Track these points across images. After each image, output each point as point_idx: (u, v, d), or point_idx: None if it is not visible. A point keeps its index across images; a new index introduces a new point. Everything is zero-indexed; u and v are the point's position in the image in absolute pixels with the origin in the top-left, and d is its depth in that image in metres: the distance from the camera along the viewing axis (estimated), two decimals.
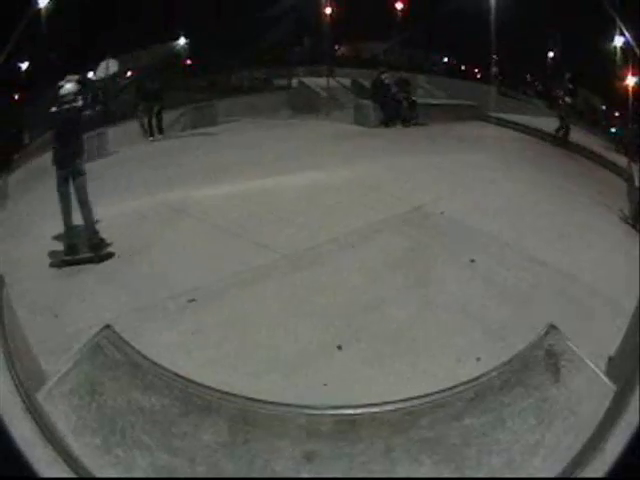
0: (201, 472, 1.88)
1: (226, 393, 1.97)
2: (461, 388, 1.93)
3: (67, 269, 3.35)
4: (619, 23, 2.87)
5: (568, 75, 5.16)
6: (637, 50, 2.47)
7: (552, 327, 2.04)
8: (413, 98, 5.74)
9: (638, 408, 1.89)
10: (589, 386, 1.97)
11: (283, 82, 6.36)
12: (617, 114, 4.62)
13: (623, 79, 4.05)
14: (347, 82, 6.24)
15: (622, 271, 2.94)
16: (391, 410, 1.88)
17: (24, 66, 4.60)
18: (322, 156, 4.58)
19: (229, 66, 6.03)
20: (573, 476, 1.82)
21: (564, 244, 3.05)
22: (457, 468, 1.85)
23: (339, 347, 2.68)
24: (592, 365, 2.00)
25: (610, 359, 2.19)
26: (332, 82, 6.19)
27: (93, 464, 1.98)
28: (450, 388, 1.92)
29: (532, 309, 2.76)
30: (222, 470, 1.87)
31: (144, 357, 2.07)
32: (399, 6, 5.91)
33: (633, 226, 3.69)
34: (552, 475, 1.84)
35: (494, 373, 1.95)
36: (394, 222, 3.68)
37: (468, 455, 1.86)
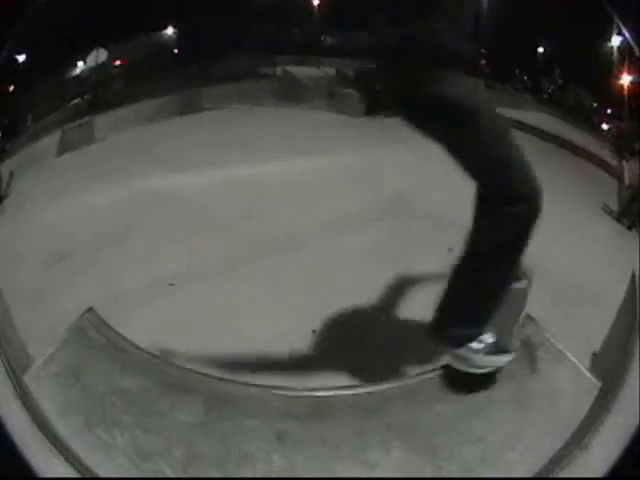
0: (176, 451, 1.91)
1: (202, 374, 2.01)
2: (433, 374, 1.94)
3: (51, 256, 3.45)
4: (616, 20, 2.91)
5: (557, 71, 5.19)
6: (636, 49, 2.50)
7: (529, 318, 2.04)
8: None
9: (624, 407, 1.88)
10: (570, 380, 1.98)
11: (269, 71, 6.44)
12: (609, 111, 4.60)
13: (617, 77, 4.05)
14: (331, 71, 6.33)
15: (608, 267, 2.94)
16: (364, 394, 1.90)
17: (21, 58, 4.77)
18: (304, 144, 4.61)
19: (216, 54, 6.11)
20: (554, 475, 1.80)
21: (549, 237, 3.02)
22: (430, 456, 1.84)
23: (313, 331, 2.72)
24: (574, 359, 2.00)
25: (594, 355, 2.18)
26: (317, 71, 6.26)
27: (76, 444, 2.03)
28: (422, 373, 1.93)
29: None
30: (197, 449, 1.89)
31: (125, 339, 2.13)
32: None
33: (621, 222, 3.70)
34: (531, 471, 1.82)
35: None
36: (373, 211, 3.73)
37: (440, 443, 1.85)
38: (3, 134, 4.66)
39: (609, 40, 4.14)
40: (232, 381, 1.99)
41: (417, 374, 1.97)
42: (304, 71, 6.26)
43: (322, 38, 6.48)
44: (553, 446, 1.85)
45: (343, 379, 2.13)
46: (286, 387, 1.95)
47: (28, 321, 2.64)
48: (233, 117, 5.64)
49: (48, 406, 2.15)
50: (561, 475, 1.80)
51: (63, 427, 2.08)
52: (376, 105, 5.75)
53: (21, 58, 4.76)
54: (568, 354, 1.99)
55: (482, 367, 1.90)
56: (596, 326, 2.25)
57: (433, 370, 1.96)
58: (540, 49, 5.45)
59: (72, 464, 2.01)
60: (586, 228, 3.66)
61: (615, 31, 3.80)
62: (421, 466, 1.83)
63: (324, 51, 6.40)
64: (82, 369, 2.14)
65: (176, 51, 6.13)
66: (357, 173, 4.20)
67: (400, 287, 3.01)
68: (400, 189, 3.96)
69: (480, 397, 1.91)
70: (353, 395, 1.91)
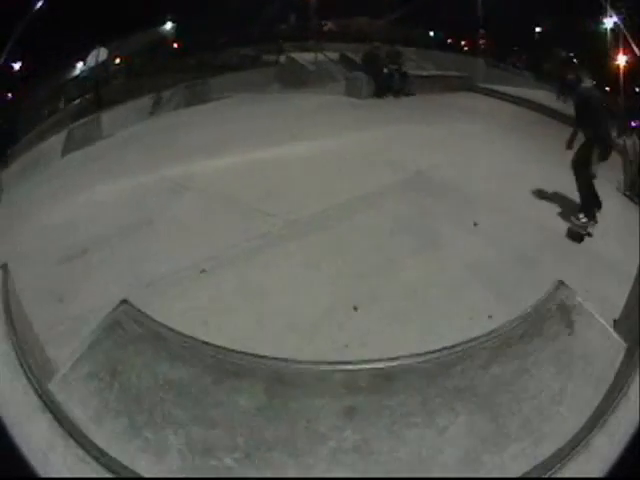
0: (241, 441, 1.84)
1: (257, 356, 1.94)
2: (485, 338, 1.99)
3: (69, 252, 3.22)
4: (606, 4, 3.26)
5: (556, 49, 5.57)
6: (625, 31, 2.81)
7: (561, 283, 2.16)
8: (404, 70, 6.00)
9: None
10: (601, 340, 2.06)
11: (272, 58, 6.47)
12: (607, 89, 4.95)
13: (612, 56, 4.39)
14: (335, 56, 6.43)
15: (621, 237, 3.12)
16: (423, 361, 1.93)
17: (17, 66, 4.59)
18: (318, 127, 4.58)
19: (217, 45, 6.10)
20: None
21: (564, 209, 3.29)
22: (492, 416, 1.91)
23: (355, 308, 2.72)
24: (602, 320, 2.09)
25: (615, 321, 2.34)
26: (320, 57, 6.35)
27: (121, 452, 1.91)
28: (476, 338, 2.01)
29: (537, 269, 2.87)
30: (263, 435, 1.84)
31: (168, 328, 2.02)
32: None
33: (629, 196, 3.92)
34: (581, 421, 1.93)
35: (514, 324, 2.00)
36: (396, 188, 3.75)
37: (500, 403, 1.93)
38: (4, 138, 4.43)
39: (603, 20, 4.51)
40: (290, 360, 1.93)
41: (470, 339, 2.04)
42: (307, 57, 6.32)
43: (322, 23, 6.60)
44: (595, 399, 2.00)
45: (394, 350, 2.15)
46: (345, 361, 1.94)
47: (49, 323, 2.44)
48: (241, 106, 5.57)
49: (80, 413, 2.01)
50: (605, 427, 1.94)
51: (101, 435, 1.96)
52: (385, 86, 5.93)
53: (20, 63, 4.56)
54: (597, 316, 2.11)
55: None
56: (616, 293, 2.39)
57: (484, 335, 2.05)
58: (538, 28, 5.82)
59: (116, 473, 1.89)
60: None
61: (607, 14, 4.21)
62: (486, 426, 1.89)
63: (326, 36, 6.50)
64: (119, 366, 2.02)
65: (176, 45, 6.04)
66: (374, 152, 4.22)
67: (432, 261, 3.06)
68: (419, 166, 4.01)
69: (530, 357, 2.01)
70: (412, 363, 1.91)
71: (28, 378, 2.11)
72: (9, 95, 4.76)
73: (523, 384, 1.96)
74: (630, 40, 3.42)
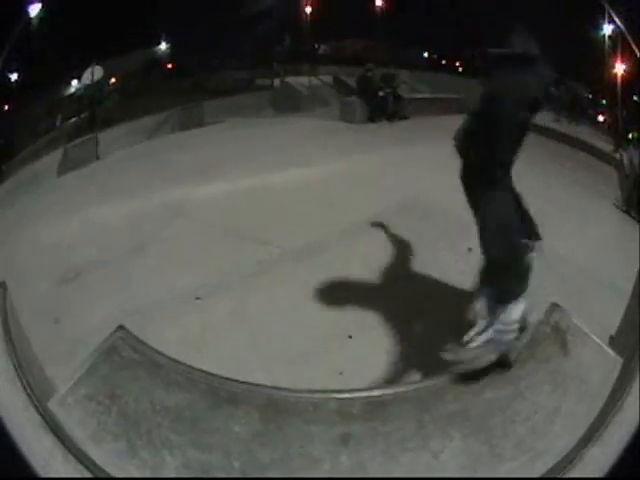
0: (237, 464, 1.88)
1: (252, 384, 1.97)
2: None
3: (66, 275, 3.25)
4: (608, 9, 3.08)
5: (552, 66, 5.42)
6: (628, 37, 2.67)
7: (555, 305, 2.17)
8: (399, 93, 5.90)
9: None
10: (596, 357, 2.09)
11: (266, 82, 6.40)
12: (604, 102, 4.85)
13: (610, 66, 4.25)
14: (329, 80, 6.33)
15: (618, 254, 3.06)
16: (418, 389, 1.96)
17: (14, 77, 4.52)
18: (312, 152, 4.60)
19: (211, 68, 6.05)
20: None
21: (559, 230, 3.22)
22: (486, 439, 1.94)
23: (350, 336, 2.74)
24: (596, 339, 2.12)
25: (611, 337, 2.35)
26: (314, 80, 6.27)
27: (118, 471, 1.95)
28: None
29: (531, 292, 2.82)
30: (258, 459, 1.87)
31: (164, 355, 2.04)
32: (379, 2, 6.08)
33: (626, 212, 3.81)
34: (575, 438, 1.96)
35: None
36: (390, 214, 3.69)
37: (493, 426, 1.95)
38: (4, 154, 4.40)
39: (600, 30, 4.33)
40: (285, 389, 1.96)
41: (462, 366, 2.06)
42: (301, 80, 6.21)
43: (316, 46, 6.47)
44: (589, 416, 2.03)
45: (388, 378, 2.17)
46: (340, 390, 1.97)
47: (46, 343, 2.47)
48: (235, 129, 5.51)
49: (79, 433, 2.04)
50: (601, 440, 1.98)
51: (99, 454, 2.00)
52: (379, 110, 5.84)
53: (15, 77, 4.47)
54: (593, 336, 2.11)
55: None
56: (612, 310, 2.37)
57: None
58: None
59: None
60: (593, 218, 3.77)
61: (607, 19, 4.02)
62: (479, 448, 1.92)
63: (319, 59, 6.39)
64: (117, 390, 2.05)
65: (170, 66, 5.95)
66: (369, 178, 4.18)
67: (427, 288, 3.03)
68: (414, 191, 3.98)
69: (523, 382, 2.03)
70: (407, 391, 1.94)
71: (28, 395, 2.14)
72: (6, 107, 4.69)
73: (517, 406, 1.99)
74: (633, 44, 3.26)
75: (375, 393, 1.93)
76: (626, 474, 1.86)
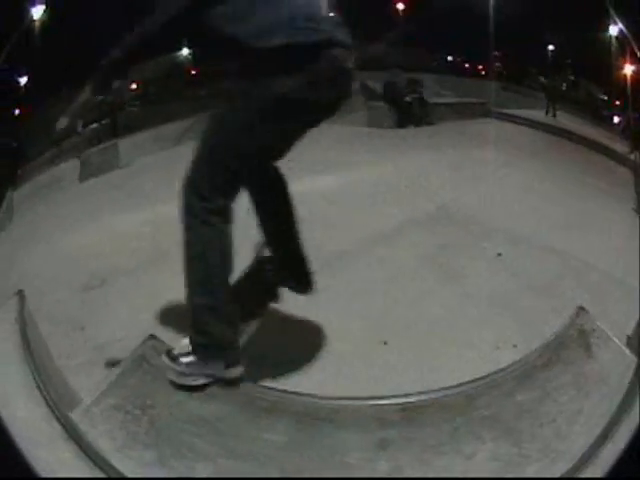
0: (271, 471, 1.88)
1: (289, 392, 1.98)
2: (511, 368, 2.06)
3: (89, 282, 3.16)
4: (612, 13, 3.14)
5: (568, 68, 5.53)
6: (631, 40, 2.72)
7: (581, 309, 2.21)
8: (425, 98, 5.93)
9: None
10: (616, 359, 2.12)
11: None
12: (618, 103, 4.93)
13: (621, 68, 4.31)
14: (355, 85, 6.28)
15: (636, 257, 3.03)
16: (452, 394, 1.99)
17: (23, 80, 4.35)
18: (341, 158, 4.61)
19: (235, 74, 5.94)
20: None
21: (580, 234, 3.30)
22: (514, 441, 1.98)
23: (385, 342, 2.76)
24: (617, 341, 2.16)
25: (629, 338, 2.42)
26: None
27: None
28: (502, 369, 2.07)
29: (557, 296, 2.93)
30: (295, 468, 1.88)
31: None
32: (400, 6, 6.07)
33: None
34: (592, 437, 2.03)
35: (537, 353, 2.11)
36: (420, 220, 3.78)
37: (522, 428, 1.98)
38: (13, 157, 4.23)
39: (608, 32, 4.39)
40: (322, 396, 1.98)
41: (496, 371, 2.10)
42: None
43: None
44: (606, 415, 2.09)
45: (424, 383, 2.19)
46: (378, 396, 1.99)
47: (68, 352, 2.41)
48: None
49: (105, 444, 2.01)
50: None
51: (127, 464, 1.97)
52: (406, 115, 5.82)
53: (29, 81, 4.29)
54: (614, 338, 2.15)
55: None
56: (629, 311, 2.43)
57: (510, 366, 2.10)
58: (550, 47, 5.73)
59: None
60: (614, 224, 3.81)
61: (612, 21, 4.08)
62: (509, 450, 1.94)
63: None
64: (148, 400, 2.03)
65: (193, 72, 5.77)
66: (398, 184, 4.19)
67: (457, 293, 3.09)
68: (442, 197, 4.06)
69: (550, 384, 2.08)
70: (441, 396, 1.97)
71: (48, 405, 2.09)
72: (16, 111, 4.55)
73: (544, 409, 2.03)
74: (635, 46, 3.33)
75: (412, 399, 1.95)
76: (627, 474, 1.93)
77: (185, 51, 5.86)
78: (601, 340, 2.17)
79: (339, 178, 4.30)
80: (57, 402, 2.09)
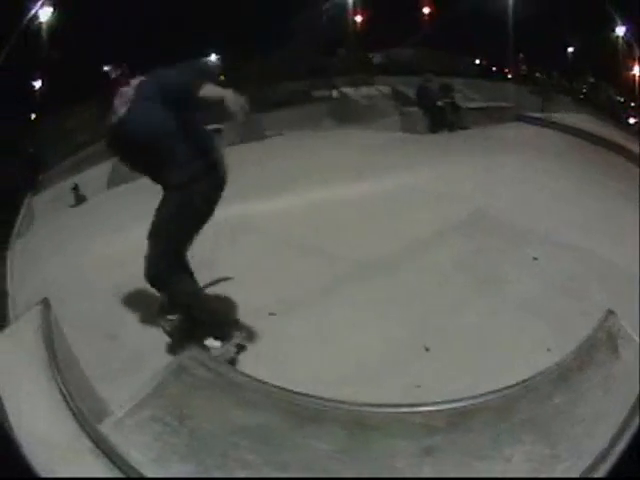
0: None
1: (337, 401, 1.97)
2: (548, 372, 2.11)
3: (120, 288, 3.02)
4: (617, 18, 3.19)
5: (588, 70, 5.58)
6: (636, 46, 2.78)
7: (610, 312, 2.26)
8: (457, 103, 5.89)
9: None
10: (637, 358, 2.25)
11: (322, 93, 6.18)
12: (633, 105, 5.03)
13: (631, 69, 4.39)
14: (386, 90, 6.19)
15: None
16: (494, 399, 2.02)
17: (37, 84, 4.11)
18: (376, 164, 4.59)
19: (265, 80, 5.76)
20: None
21: (613, 238, 3.37)
22: (549, 442, 2.03)
23: (427, 349, 2.77)
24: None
25: None
26: (372, 91, 6.14)
27: None
28: (540, 373, 2.11)
29: (586, 299, 2.96)
30: (343, 475, 1.87)
31: (242, 374, 1.98)
32: (426, 10, 6.03)
33: None
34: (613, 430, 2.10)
35: (571, 356, 2.13)
36: (457, 226, 3.76)
37: (556, 430, 2.04)
38: (31, 163, 3.98)
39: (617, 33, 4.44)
40: (370, 404, 1.97)
41: (535, 375, 2.14)
42: (358, 91, 5.97)
43: (371, 56, 6.26)
44: (624, 411, 2.17)
45: (465, 388, 2.22)
46: (425, 403, 1.99)
47: (97, 362, 2.30)
48: (297, 142, 5.25)
49: (139, 456, 1.96)
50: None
51: (162, 476, 1.92)
52: (439, 121, 5.74)
53: (42, 87, 4.02)
54: (635, 337, 2.26)
55: None
56: None
57: (547, 369, 2.15)
58: (570, 49, 5.74)
59: None
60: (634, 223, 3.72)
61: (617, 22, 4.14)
62: (543, 451, 1.97)
63: (374, 69, 6.20)
64: (187, 411, 1.98)
65: (222, 78, 5.53)
66: (433, 190, 4.16)
67: (494, 298, 3.10)
68: (477, 202, 4.01)
69: (583, 385, 2.14)
70: (485, 401, 1.99)
71: (76, 418, 2.02)
72: (32, 115, 4.29)
73: (576, 410, 2.09)
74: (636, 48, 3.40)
75: (457, 405, 1.97)
76: (627, 474, 2.01)
77: (213, 57, 5.70)
78: (626, 341, 2.25)
79: (373, 184, 4.27)
80: (86, 413, 2.02)
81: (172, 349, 2.73)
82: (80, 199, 4.32)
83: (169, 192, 2.64)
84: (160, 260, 2.63)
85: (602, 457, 2.05)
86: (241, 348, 2.75)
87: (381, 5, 5.82)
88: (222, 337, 2.73)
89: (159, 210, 2.66)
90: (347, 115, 6.20)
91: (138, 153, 2.68)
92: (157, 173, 2.68)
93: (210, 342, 2.68)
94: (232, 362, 2.63)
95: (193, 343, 2.36)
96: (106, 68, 2.76)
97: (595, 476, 2.02)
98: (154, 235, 2.66)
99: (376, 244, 3.60)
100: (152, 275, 2.65)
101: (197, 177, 2.61)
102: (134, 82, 2.75)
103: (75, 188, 4.32)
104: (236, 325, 2.87)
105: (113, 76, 2.75)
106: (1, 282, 3.26)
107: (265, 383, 2.00)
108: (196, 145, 2.67)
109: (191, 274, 2.80)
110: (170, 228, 2.62)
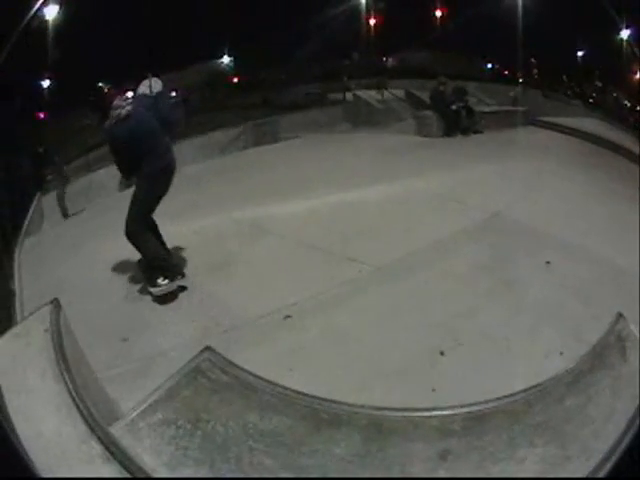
0: None
1: (355, 405, 1.96)
2: (561, 375, 2.14)
3: (134, 291, 2.96)
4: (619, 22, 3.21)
5: (597, 75, 5.60)
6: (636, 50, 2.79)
7: (620, 315, 2.31)
8: (471, 107, 5.85)
9: None
10: None
11: (337, 96, 6.13)
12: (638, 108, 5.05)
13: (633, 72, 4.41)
14: (400, 93, 6.13)
15: None
16: (509, 402, 2.04)
17: (45, 84, 4.01)
18: (391, 168, 4.58)
19: (280, 82, 5.69)
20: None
21: (626, 243, 3.40)
22: (560, 444, 2.06)
23: (442, 353, 2.79)
24: None
25: None
26: (386, 94, 6.10)
27: None
28: (553, 376, 2.13)
29: (597, 303, 2.98)
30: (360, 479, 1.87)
31: (257, 377, 1.95)
32: (439, 14, 5.97)
33: None
34: (619, 430, 2.13)
35: (585, 358, 2.16)
36: (473, 230, 3.81)
37: (567, 432, 2.07)
38: (40, 162, 3.90)
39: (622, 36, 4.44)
40: (383, 408, 1.97)
41: (550, 378, 2.16)
42: (372, 94, 5.90)
43: (384, 59, 6.19)
44: (630, 411, 2.21)
45: (480, 392, 2.23)
46: (441, 407, 1.99)
47: (109, 364, 2.25)
48: (312, 145, 5.18)
49: (150, 459, 1.93)
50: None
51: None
52: (453, 124, 5.68)
53: (50, 85, 3.93)
54: None
55: None
56: None
57: (561, 372, 2.16)
58: (579, 53, 5.72)
59: None
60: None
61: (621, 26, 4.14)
62: (555, 452, 1.99)
63: (388, 72, 6.13)
64: (202, 414, 1.95)
65: (236, 80, 5.42)
66: (448, 193, 4.18)
67: (508, 302, 3.13)
68: (494, 207, 4.05)
69: (593, 388, 2.18)
70: (501, 405, 2.01)
71: (86, 420, 1.98)
72: (40, 115, 4.21)
73: (587, 412, 2.12)
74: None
75: (473, 409, 1.98)
76: (627, 474, 2.05)
77: (226, 59, 5.62)
78: (633, 343, 2.28)
79: (389, 188, 4.25)
80: (95, 415, 1.98)
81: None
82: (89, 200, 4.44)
83: (144, 178, 3.56)
84: (134, 223, 3.52)
85: (607, 456, 2.09)
86: (183, 289, 3.55)
87: (395, 9, 5.79)
88: (169, 277, 3.54)
89: (137, 190, 3.59)
90: (362, 118, 6.18)
91: (129, 147, 3.53)
92: (138, 164, 3.55)
93: (160, 280, 3.52)
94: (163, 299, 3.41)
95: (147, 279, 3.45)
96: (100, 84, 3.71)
97: (600, 476, 2.06)
98: (132, 207, 3.56)
99: (392, 247, 3.64)
100: (129, 232, 3.52)
101: (166, 167, 3.61)
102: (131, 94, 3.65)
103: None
104: (180, 272, 3.62)
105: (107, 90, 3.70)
106: (9, 281, 3.25)
107: (281, 386, 1.99)
108: (165, 141, 3.68)
109: (155, 228, 3.68)
110: (142, 203, 3.56)
